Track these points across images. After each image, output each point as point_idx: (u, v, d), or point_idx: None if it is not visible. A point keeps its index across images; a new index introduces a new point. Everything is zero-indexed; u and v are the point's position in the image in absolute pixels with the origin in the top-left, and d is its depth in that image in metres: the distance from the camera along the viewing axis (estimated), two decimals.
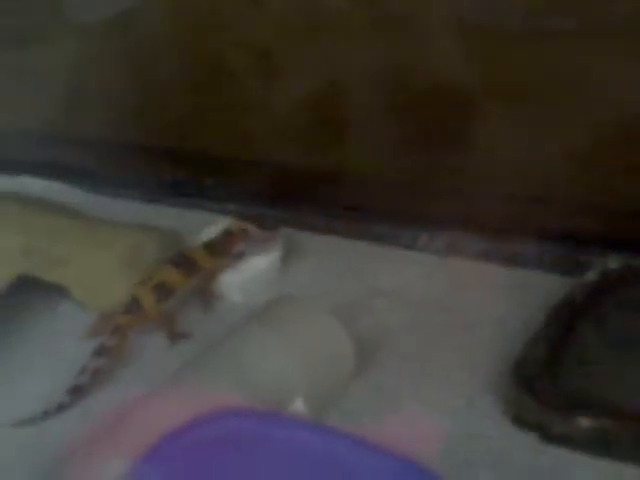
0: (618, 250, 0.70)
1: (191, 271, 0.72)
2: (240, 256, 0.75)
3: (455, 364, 0.65)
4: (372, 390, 0.63)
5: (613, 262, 0.68)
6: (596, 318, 0.65)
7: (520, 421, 0.58)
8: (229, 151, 0.90)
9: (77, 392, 0.63)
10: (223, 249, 0.74)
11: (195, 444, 0.47)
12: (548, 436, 0.57)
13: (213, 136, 0.92)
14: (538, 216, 0.75)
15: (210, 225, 0.81)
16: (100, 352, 0.65)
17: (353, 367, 0.63)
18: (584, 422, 0.55)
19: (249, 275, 0.75)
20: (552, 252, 0.73)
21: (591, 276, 0.67)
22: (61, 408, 0.62)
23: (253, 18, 0.81)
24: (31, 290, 0.74)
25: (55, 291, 0.75)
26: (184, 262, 0.72)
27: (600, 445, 0.55)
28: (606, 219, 0.72)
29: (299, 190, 0.86)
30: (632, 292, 0.67)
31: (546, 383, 0.58)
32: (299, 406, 0.57)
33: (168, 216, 0.90)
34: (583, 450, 0.56)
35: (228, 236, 0.75)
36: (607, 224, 0.72)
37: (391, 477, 0.47)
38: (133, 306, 0.69)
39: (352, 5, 0.76)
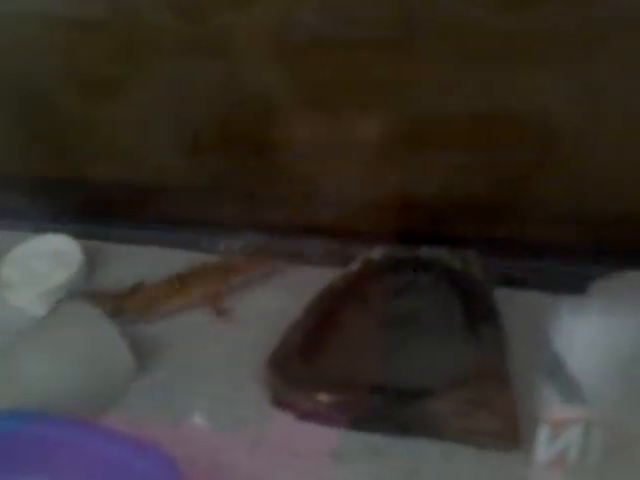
0: (386, 242, 0.77)
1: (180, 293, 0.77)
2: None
3: (227, 357, 0.71)
4: (152, 387, 0.69)
5: (376, 253, 0.75)
6: (356, 303, 0.71)
7: (277, 402, 0.64)
8: (41, 170, 0.93)
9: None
10: (216, 277, 0.78)
11: None
12: (300, 413, 0.63)
13: (26, 158, 0.95)
14: (316, 214, 0.82)
15: (23, 243, 0.86)
16: None
17: (132, 369, 0.67)
18: (324, 398, 0.61)
19: (48, 288, 0.79)
20: (329, 247, 0.80)
21: (354, 266, 0.74)
22: None
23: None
24: None
25: None
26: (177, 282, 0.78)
27: (341, 417, 0.61)
28: (375, 213, 0.79)
29: (106, 205, 0.90)
30: (391, 279, 0.73)
31: (297, 366, 0.64)
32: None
33: None
34: (329, 423, 0.62)
35: (223, 265, 0.79)
36: (375, 218, 0.79)
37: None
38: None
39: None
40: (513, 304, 0.70)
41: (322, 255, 0.79)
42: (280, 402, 0.64)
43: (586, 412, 0.55)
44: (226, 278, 0.78)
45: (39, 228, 0.90)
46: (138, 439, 0.53)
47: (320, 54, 0.75)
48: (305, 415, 0.63)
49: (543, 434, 0.55)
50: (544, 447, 0.55)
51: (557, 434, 0.54)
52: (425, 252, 0.74)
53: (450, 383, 0.61)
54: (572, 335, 0.61)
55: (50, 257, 0.83)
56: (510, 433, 0.59)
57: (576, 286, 0.66)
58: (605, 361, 0.58)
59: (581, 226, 0.78)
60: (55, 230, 0.88)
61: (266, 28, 0.76)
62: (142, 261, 0.86)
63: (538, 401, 0.59)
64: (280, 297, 0.77)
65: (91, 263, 0.85)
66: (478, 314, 0.67)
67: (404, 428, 0.61)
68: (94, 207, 0.92)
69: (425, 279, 0.73)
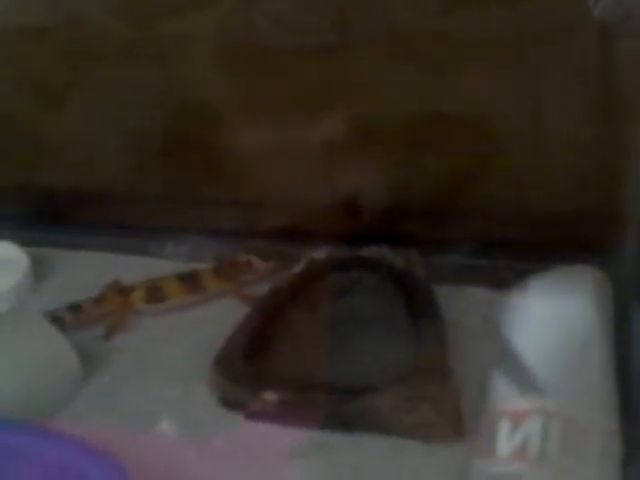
0: (329, 243, 0.78)
1: (193, 288, 0.77)
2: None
3: (177, 361, 0.72)
4: (99, 391, 0.69)
5: (320, 253, 0.76)
6: (301, 303, 0.73)
7: (225, 402, 0.65)
8: None
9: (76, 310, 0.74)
10: (229, 276, 0.78)
11: None
12: (247, 412, 0.64)
13: None
14: (261, 218, 0.83)
15: None
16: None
17: (80, 374, 0.68)
18: (269, 396, 0.62)
19: None
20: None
21: (298, 267, 0.75)
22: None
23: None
24: None
25: None
26: (189, 278, 0.77)
27: (287, 414, 0.63)
28: (319, 215, 0.81)
29: (51, 212, 0.90)
30: (334, 278, 0.75)
31: (241, 367, 0.65)
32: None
33: None
34: (276, 421, 0.63)
35: (233, 265, 0.79)
36: (319, 220, 0.81)
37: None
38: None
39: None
40: (456, 301, 0.72)
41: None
42: (228, 402, 0.65)
43: (544, 403, 0.56)
44: (235, 278, 0.79)
45: None
46: (90, 446, 0.53)
47: (263, 60, 0.76)
48: (253, 414, 0.64)
49: (503, 427, 0.56)
50: (504, 440, 0.55)
51: (516, 426, 0.55)
52: (368, 251, 0.76)
53: (392, 379, 0.62)
54: (521, 327, 0.64)
55: None
56: (453, 426, 0.61)
57: (518, 281, 0.69)
58: (556, 351, 0.60)
59: (521, 224, 0.80)
60: None
61: (210, 34, 0.77)
62: (90, 267, 0.86)
63: (484, 394, 0.61)
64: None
65: (38, 270, 0.85)
66: (420, 311, 0.69)
67: (349, 424, 0.62)
68: (40, 214, 0.92)
69: (369, 278, 0.75)
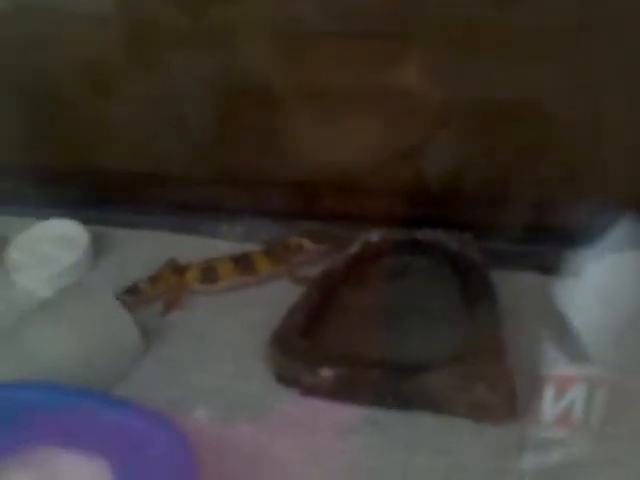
0: (384, 226, 0.79)
1: (246, 270, 0.78)
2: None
3: (232, 339, 0.73)
4: (156, 366, 0.71)
5: (375, 236, 0.77)
6: (356, 284, 0.73)
7: (280, 378, 0.66)
8: (48, 159, 0.95)
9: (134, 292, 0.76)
10: (281, 259, 0.80)
11: None
12: (303, 389, 0.65)
13: (37, 148, 0.97)
14: (316, 200, 0.84)
15: (30, 229, 0.88)
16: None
17: (139, 347, 0.70)
18: (325, 373, 0.63)
19: (57, 271, 0.81)
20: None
21: (353, 249, 0.76)
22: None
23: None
24: None
25: None
26: (242, 260, 0.79)
27: (343, 391, 0.63)
28: (374, 198, 0.81)
29: (112, 191, 0.92)
30: (389, 260, 0.76)
31: (298, 344, 0.66)
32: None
33: None
34: (331, 397, 0.64)
35: (286, 248, 0.80)
36: (375, 202, 0.81)
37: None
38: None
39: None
40: (508, 285, 0.72)
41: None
42: (284, 378, 0.66)
43: (590, 370, 0.57)
44: (288, 261, 0.80)
45: (46, 214, 0.91)
46: (154, 412, 0.55)
47: (317, 45, 0.77)
48: (309, 390, 0.65)
49: (548, 393, 0.57)
50: (549, 406, 0.56)
51: (562, 392, 0.56)
52: (423, 234, 0.76)
53: (447, 358, 0.62)
54: (575, 304, 0.64)
55: (57, 241, 0.85)
56: (508, 406, 0.61)
57: (569, 266, 0.69)
58: (607, 321, 0.60)
59: (574, 210, 0.80)
60: (61, 216, 0.89)
61: (262, 20, 0.78)
62: (146, 245, 0.88)
63: (536, 373, 0.61)
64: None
65: (97, 247, 0.87)
66: (475, 293, 0.69)
67: (403, 402, 0.63)
68: (100, 195, 0.94)
69: (424, 260, 0.75)
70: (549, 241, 0.78)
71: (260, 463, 0.61)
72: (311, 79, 0.81)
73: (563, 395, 0.56)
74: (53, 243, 0.85)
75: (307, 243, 0.80)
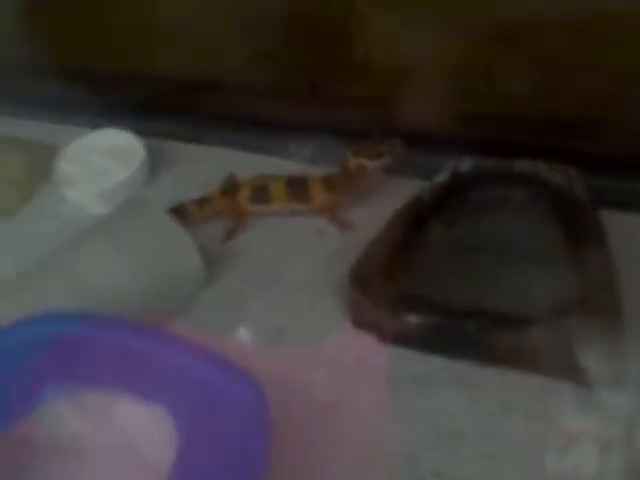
0: (471, 152, 0.70)
1: (299, 196, 0.71)
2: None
3: (303, 270, 0.66)
4: (219, 297, 0.65)
5: (465, 164, 0.68)
6: (444, 219, 0.65)
7: (358, 322, 0.59)
8: (101, 65, 0.87)
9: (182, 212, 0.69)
10: (339, 187, 0.71)
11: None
12: (383, 335, 0.58)
13: (86, 52, 0.89)
14: (393, 119, 0.75)
15: (81, 138, 0.81)
16: None
17: (202, 275, 0.63)
18: (413, 319, 0.56)
19: (109, 186, 0.74)
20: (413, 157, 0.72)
21: (441, 178, 0.67)
22: None
23: None
24: None
25: None
26: (298, 185, 0.71)
27: (429, 341, 0.56)
28: (462, 120, 0.72)
29: (169, 101, 0.84)
30: (481, 192, 0.67)
31: (381, 285, 0.58)
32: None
33: (40, 130, 0.88)
34: (415, 347, 0.57)
35: (346, 174, 0.71)
36: (461, 127, 0.72)
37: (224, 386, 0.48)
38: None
39: None
40: (620, 227, 0.63)
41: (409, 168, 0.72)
42: (362, 322, 0.59)
43: None
44: (348, 187, 0.71)
45: (98, 123, 0.84)
46: (228, 361, 0.48)
47: None
48: (388, 337, 0.58)
49: None
50: None
51: None
52: (521, 165, 0.67)
53: (551, 312, 0.55)
54: None
55: (110, 153, 0.79)
56: (615, 372, 0.53)
57: None
58: None
59: None
60: (114, 126, 0.82)
61: None
62: (207, 162, 0.80)
63: None
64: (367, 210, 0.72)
65: (152, 162, 0.80)
66: (581, 236, 0.61)
67: (495, 357, 0.56)
68: (156, 103, 0.86)
69: (520, 195, 0.66)
70: None
71: (333, 412, 0.56)
72: None
73: None
74: (106, 155, 0.78)
75: (366, 162, 0.70)
